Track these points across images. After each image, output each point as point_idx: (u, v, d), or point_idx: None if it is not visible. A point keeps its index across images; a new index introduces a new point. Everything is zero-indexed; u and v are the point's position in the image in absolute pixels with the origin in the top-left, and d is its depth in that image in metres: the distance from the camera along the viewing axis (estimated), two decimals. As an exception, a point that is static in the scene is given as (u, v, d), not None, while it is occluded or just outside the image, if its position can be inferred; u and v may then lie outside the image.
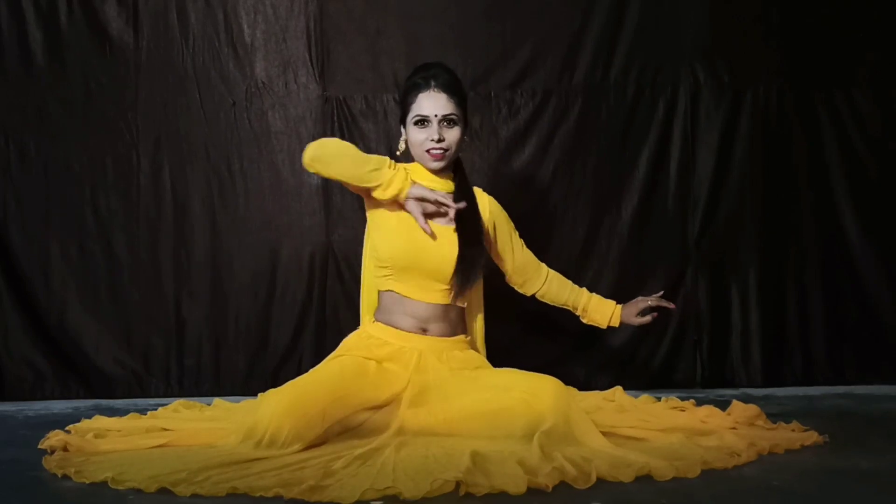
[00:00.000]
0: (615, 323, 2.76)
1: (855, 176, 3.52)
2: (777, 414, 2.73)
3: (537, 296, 2.79)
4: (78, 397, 3.35)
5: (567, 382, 2.46)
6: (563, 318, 3.42)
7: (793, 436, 2.44)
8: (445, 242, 2.54)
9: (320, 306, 3.42)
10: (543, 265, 2.77)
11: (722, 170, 3.49)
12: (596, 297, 2.78)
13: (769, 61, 3.51)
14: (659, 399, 2.86)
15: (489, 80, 3.45)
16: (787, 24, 3.50)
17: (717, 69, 3.49)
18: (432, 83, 2.57)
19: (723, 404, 2.71)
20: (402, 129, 2.64)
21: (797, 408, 3.02)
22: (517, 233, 2.74)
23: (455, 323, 2.64)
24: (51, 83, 3.41)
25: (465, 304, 2.67)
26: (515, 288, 2.79)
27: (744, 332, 3.48)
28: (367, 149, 3.43)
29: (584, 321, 2.80)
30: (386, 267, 2.57)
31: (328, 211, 3.44)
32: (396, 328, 2.58)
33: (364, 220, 3.38)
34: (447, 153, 2.57)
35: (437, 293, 2.57)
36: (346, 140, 3.38)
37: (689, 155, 3.49)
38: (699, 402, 2.79)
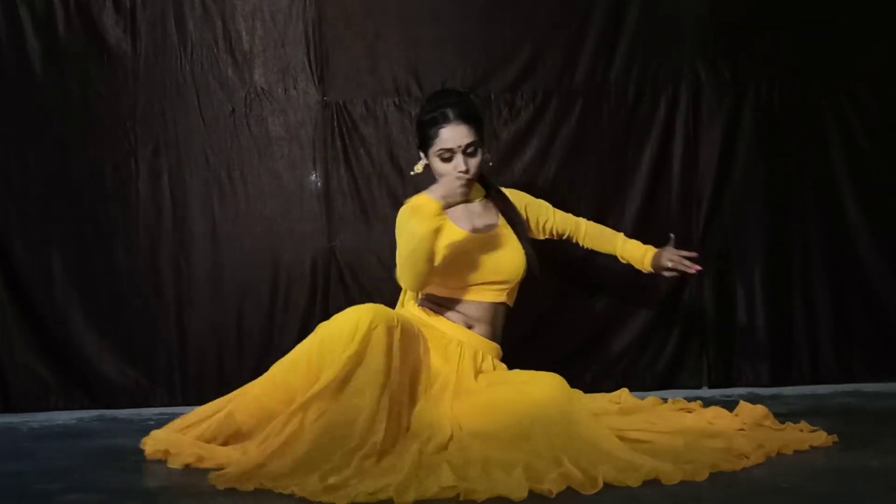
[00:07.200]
0: (646, 268, 2.84)
1: (860, 171, 3.48)
2: (785, 414, 2.72)
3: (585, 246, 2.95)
4: (83, 407, 3.34)
5: (573, 384, 2.45)
6: (569, 320, 3.44)
7: (801, 436, 2.43)
8: (498, 245, 2.66)
9: (323, 312, 3.39)
10: (581, 220, 2.95)
11: (725, 167, 3.47)
12: (631, 243, 2.88)
13: (770, 57, 3.47)
14: (665, 400, 2.84)
15: (489, 82, 3.43)
16: (788, 19, 3.47)
17: (718, 66, 3.46)
18: (451, 115, 2.60)
19: (730, 404, 2.70)
20: (421, 155, 2.71)
21: (805, 407, 3.00)
22: (548, 204, 2.92)
23: (496, 326, 2.70)
24: (49, 92, 3.39)
25: (513, 301, 2.73)
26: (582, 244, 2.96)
27: (750, 330, 3.45)
28: (368, 154, 3.43)
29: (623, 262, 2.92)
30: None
31: (329, 216, 3.42)
32: (442, 317, 2.64)
33: (367, 226, 3.41)
34: (471, 177, 2.64)
35: (491, 293, 2.65)
36: (347, 144, 3.42)
37: (691, 153, 3.46)
38: (706, 403, 2.78)
